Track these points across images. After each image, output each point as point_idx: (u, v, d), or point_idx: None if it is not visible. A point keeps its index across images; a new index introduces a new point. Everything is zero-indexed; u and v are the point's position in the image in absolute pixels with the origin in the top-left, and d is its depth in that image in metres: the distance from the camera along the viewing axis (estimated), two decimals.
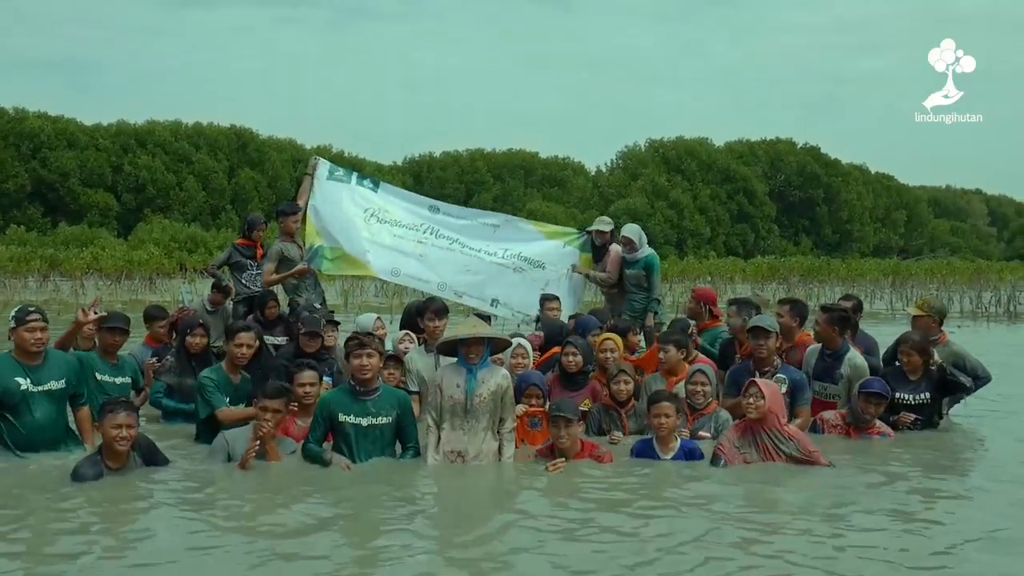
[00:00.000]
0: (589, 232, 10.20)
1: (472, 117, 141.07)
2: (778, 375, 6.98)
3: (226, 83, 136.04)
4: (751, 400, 6.17)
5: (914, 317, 7.96)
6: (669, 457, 6.26)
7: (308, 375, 6.67)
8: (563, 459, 6.09)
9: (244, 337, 7.01)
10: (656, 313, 9.31)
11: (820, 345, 7.50)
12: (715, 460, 6.20)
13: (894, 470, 6.21)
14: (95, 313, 6.71)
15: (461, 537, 4.83)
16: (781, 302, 8.17)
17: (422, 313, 8.22)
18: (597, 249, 9.98)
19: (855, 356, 7.44)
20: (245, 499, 5.44)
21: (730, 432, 6.36)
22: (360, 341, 6.27)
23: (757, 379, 6.37)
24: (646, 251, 9.52)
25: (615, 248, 9.73)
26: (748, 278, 35.78)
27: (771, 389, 6.27)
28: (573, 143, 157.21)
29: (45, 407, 6.16)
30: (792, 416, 6.83)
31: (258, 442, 5.94)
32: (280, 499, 5.43)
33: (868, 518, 5.13)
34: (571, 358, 7.33)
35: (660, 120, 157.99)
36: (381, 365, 6.42)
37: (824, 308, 7.86)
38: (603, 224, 10.06)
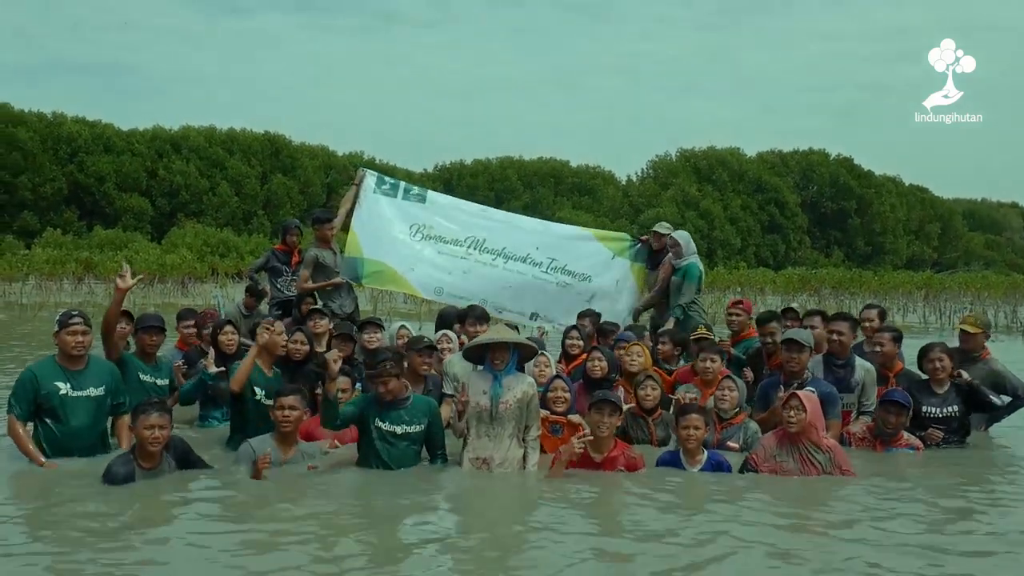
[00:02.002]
0: (644, 240, 10.23)
1: (503, 125, 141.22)
2: (807, 388, 6.93)
3: (260, 89, 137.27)
4: (792, 413, 6.12)
5: (968, 334, 7.75)
6: (696, 470, 6.22)
7: (340, 381, 6.73)
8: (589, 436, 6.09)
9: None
10: (678, 319, 9.15)
11: (819, 356, 7.40)
12: (744, 469, 6.17)
13: (916, 490, 6.10)
14: (132, 277, 6.71)
15: (482, 546, 4.86)
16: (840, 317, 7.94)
17: (461, 320, 8.34)
18: (653, 255, 9.96)
19: (864, 362, 7.42)
20: (270, 504, 5.48)
21: (767, 440, 6.31)
22: (376, 372, 6.33)
23: (799, 391, 6.31)
24: (690, 260, 9.47)
25: (668, 259, 9.70)
26: (779, 289, 35.49)
27: (812, 402, 6.23)
28: (603, 152, 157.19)
29: (83, 413, 6.25)
30: None
31: (269, 452, 5.94)
32: (304, 505, 5.46)
33: (893, 538, 5.08)
34: (596, 363, 7.35)
35: (691, 129, 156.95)
36: (402, 383, 6.45)
37: (842, 316, 7.79)
38: (662, 227, 10.07)
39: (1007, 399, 7.63)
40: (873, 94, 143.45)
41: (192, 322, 8.70)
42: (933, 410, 7.26)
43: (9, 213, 49.61)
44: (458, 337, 8.39)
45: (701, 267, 9.63)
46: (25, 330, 17.49)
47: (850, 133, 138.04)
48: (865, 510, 5.52)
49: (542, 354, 7.66)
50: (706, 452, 6.33)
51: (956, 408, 7.27)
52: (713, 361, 7.35)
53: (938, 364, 7.28)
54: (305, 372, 7.37)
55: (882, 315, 8.28)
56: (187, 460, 6.08)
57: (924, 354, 7.41)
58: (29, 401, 6.13)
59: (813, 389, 6.90)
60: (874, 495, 5.85)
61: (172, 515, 5.23)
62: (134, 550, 4.59)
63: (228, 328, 7.76)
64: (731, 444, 6.77)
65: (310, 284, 9.38)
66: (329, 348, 7.84)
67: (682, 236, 9.65)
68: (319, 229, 9.61)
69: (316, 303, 9.37)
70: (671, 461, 6.34)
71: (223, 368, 7.24)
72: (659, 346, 8.39)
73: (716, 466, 6.26)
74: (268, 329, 7.00)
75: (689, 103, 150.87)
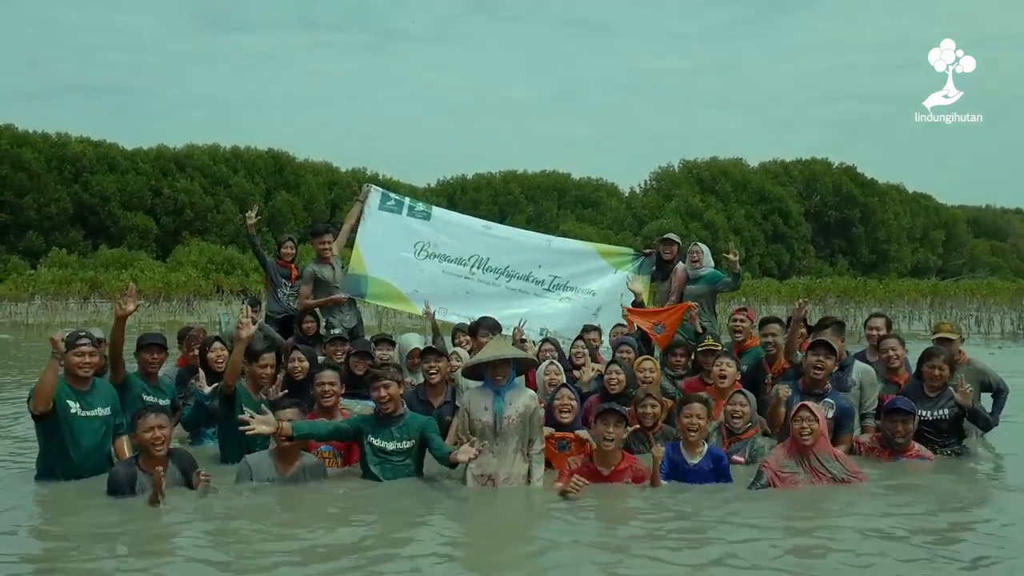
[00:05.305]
0: (646, 253, 10.22)
1: (506, 139, 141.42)
2: (826, 399, 6.89)
3: (263, 107, 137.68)
4: (804, 424, 6.09)
5: (949, 341, 7.79)
6: (696, 462, 6.22)
7: (328, 375, 6.73)
8: (583, 483, 5.88)
9: (267, 358, 7.02)
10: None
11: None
12: (758, 475, 6.13)
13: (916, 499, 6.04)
14: (134, 304, 6.72)
15: (488, 564, 4.84)
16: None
17: (473, 332, 8.33)
18: (663, 264, 9.95)
19: (861, 363, 7.52)
20: (272, 520, 5.46)
21: (777, 452, 6.29)
22: (375, 374, 6.36)
23: (808, 403, 6.30)
24: (709, 268, 9.57)
25: (680, 267, 9.71)
26: (784, 299, 35.32)
27: (821, 412, 6.25)
28: (606, 165, 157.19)
29: (92, 433, 6.26)
30: (835, 443, 6.78)
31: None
32: (306, 522, 5.44)
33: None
34: (614, 376, 7.32)
35: (693, 141, 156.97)
36: (401, 391, 6.46)
37: (823, 325, 7.87)
38: (673, 236, 10.11)
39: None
40: (875, 104, 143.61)
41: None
42: (924, 413, 7.23)
43: (14, 233, 49.74)
44: (467, 349, 8.41)
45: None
46: (31, 350, 17.50)
47: (853, 143, 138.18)
48: (867, 518, 5.48)
49: (552, 363, 7.66)
50: (706, 445, 6.32)
51: (947, 412, 7.23)
52: (729, 367, 7.31)
53: (938, 372, 7.27)
54: (307, 391, 7.34)
55: (888, 324, 8.29)
56: (191, 471, 6.02)
57: (926, 358, 7.39)
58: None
59: (832, 401, 6.89)
60: (877, 504, 5.82)
61: (171, 531, 5.21)
62: (135, 569, 4.58)
63: (216, 345, 7.76)
64: (736, 458, 6.73)
65: (311, 301, 9.37)
66: (347, 368, 7.85)
67: (703, 246, 9.76)
68: (314, 243, 9.65)
69: (319, 319, 9.38)
70: (670, 452, 6.30)
71: (215, 385, 7.18)
72: (670, 357, 8.40)
73: (716, 459, 6.26)
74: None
75: (691, 115, 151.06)
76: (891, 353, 7.69)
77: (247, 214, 10.05)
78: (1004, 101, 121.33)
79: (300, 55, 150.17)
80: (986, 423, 7.42)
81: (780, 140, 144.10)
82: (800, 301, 7.81)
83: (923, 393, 7.29)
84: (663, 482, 6.17)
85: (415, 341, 8.69)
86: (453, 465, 6.03)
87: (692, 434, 6.25)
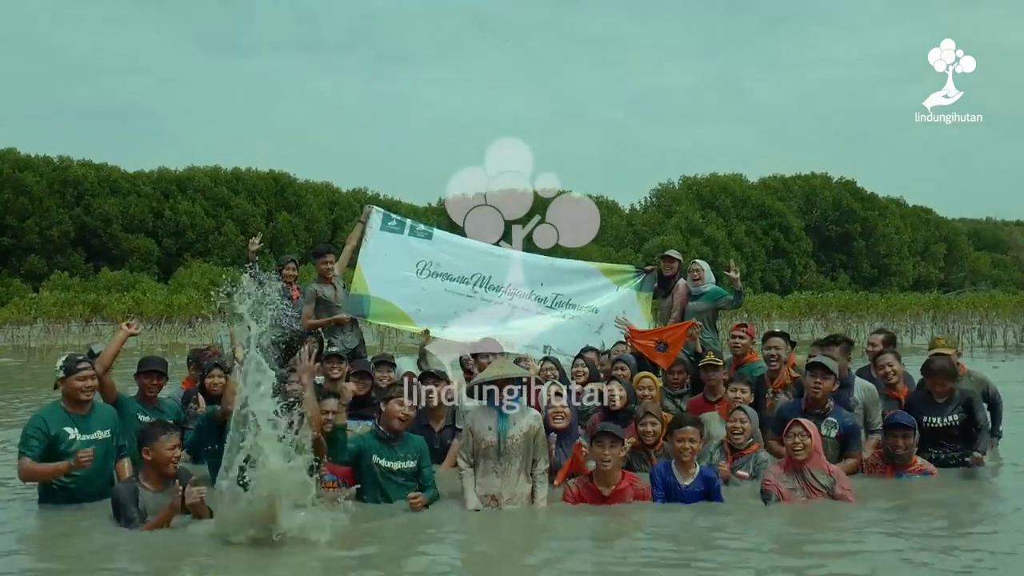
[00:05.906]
0: (648, 270, 10.22)
1: None
2: (829, 418, 6.88)
3: (265, 129, 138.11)
4: (797, 439, 6.11)
5: (946, 356, 7.70)
6: (688, 483, 6.22)
7: (331, 403, 6.74)
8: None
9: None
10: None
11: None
12: (765, 495, 6.13)
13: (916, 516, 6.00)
14: (138, 328, 6.87)
15: None
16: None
17: (475, 354, 8.34)
18: (664, 281, 9.95)
19: (864, 381, 7.51)
20: (273, 544, 5.37)
21: (774, 468, 6.31)
22: (401, 389, 6.40)
23: (800, 419, 6.31)
24: (710, 285, 9.54)
25: (682, 283, 9.70)
26: (785, 314, 35.34)
27: (813, 428, 6.25)
28: (606, 182, 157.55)
29: (93, 458, 6.22)
30: (842, 459, 6.80)
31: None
32: (309, 544, 5.36)
33: None
34: (615, 392, 7.33)
35: (693, 157, 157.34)
36: (414, 415, 6.49)
37: (832, 341, 7.89)
38: (673, 252, 10.09)
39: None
40: (874, 118, 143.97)
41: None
42: (934, 420, 7.20)
43: (16, 257, 49.88)
44: (466, 369, 8.40)
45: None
46: (33, 373, 17.50)
47: (852, 157, 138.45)
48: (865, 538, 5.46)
49: (553, 383, 7.66)
50: (698, 466, 6.33)
51: (957, 418, 7.19)
52: (743, 391, 7.32)
53: (939, 389, 7.26)
54: None
55: (887, 341, 8.25)
56: None
57: (927, 375, 7.36)
58: (42, 442, 6.04)
59: (835, 420, 6.87)
60: (880, 522, 5.80)
61: (176, 561, 5.18)
62: None
63: (215, 372, 7.77)
64: (741, 473, 6.74)
65: (314, 320, 9.39)
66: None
67: (704, 263, 9.74)
68: (316, 263, 9.69)
69: (321, 340, 9.38)
70: (663, 473, 6.31)
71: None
72: (669, 376, 8.38)
73: (707, 481, 6.25)
74: None
75: (691, 131, 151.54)
76: (887, 369, 7.69)
77: (251, 240, 10.07)
78: (1004, 113, 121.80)
79: (301, 77, 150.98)
80: (991, 434, 7.44)
81: (779, 155, 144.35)
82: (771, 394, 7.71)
83: (932, 400, 7.26)
84: (659, 502, 6.19)
85: (408, 365, 8.68)
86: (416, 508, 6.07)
87: (685, 456, 6.25)
